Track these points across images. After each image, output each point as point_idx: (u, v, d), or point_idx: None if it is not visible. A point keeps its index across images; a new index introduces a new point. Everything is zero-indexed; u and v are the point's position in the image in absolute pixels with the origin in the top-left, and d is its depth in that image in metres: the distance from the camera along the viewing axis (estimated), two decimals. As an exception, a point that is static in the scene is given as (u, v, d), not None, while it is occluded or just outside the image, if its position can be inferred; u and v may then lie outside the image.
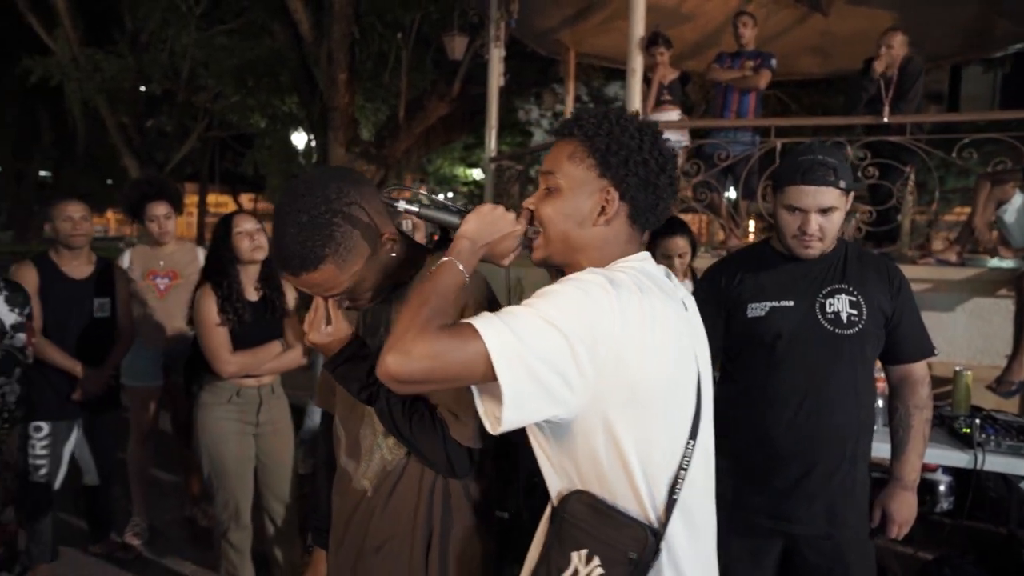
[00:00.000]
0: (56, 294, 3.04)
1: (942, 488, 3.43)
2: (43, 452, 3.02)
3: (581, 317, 0.96)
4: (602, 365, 0.96)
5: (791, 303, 1.83)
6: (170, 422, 3.83)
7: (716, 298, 1.94)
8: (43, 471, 3.03)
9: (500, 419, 0.95)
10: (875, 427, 1.99)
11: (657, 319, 1.01)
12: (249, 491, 2.72)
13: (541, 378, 0.94)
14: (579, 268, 1.09)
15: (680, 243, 3.04)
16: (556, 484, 1.09)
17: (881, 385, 2.30)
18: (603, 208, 1.10)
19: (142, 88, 13.66)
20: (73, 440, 3.19)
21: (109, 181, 19.34)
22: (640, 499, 1.02)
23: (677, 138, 5.14)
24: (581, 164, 1.11)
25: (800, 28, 7.29)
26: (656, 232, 3.16)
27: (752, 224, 7.88)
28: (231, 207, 37.11)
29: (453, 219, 1.16)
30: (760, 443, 1.85)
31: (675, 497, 1.04)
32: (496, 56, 6.69)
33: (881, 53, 4.61)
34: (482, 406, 0.99)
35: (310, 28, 10.28)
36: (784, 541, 1.87)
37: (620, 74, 9.26)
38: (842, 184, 1.73)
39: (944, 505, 3.35)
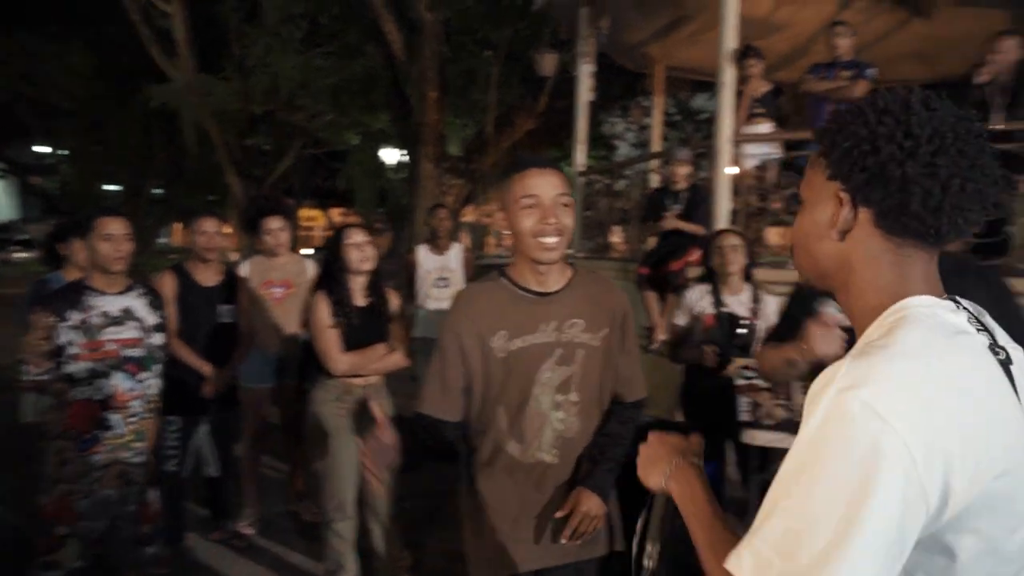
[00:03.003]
0: (189, 300, 3.34)
1: None
2: (174, 443, 3.33)
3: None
4: None
5: None
6: (279, 422, 4.09)
7: (804, 305, 1.96)
8: (173, 460, 3.33)
9: None
10: None
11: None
12: (355, 484, 2.88)
13: None
14: (843, 294, 0.95)
15: (732, 238, 3.24)
16: None
17: None
18: (833, 218, 0.90)
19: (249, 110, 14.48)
20: (200, 434, 3.48)
21: (211, 197, 20.60)
22: None
23: (769, 150, 5.09)
24: (817, 168, 0.93)
25: (901, 33, 7.03)
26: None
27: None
28: (321, 221, 38.67)
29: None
30: None
31: None
32: (585, 71, 6.80)
33: (989, 59, 4.42)
34: None
35: (402, 48, 10.70)
36: None
37: (708, 86, 9.17)
38: None
39: None
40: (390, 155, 17.18)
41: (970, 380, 0.81)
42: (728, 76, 4.88)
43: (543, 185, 1.62)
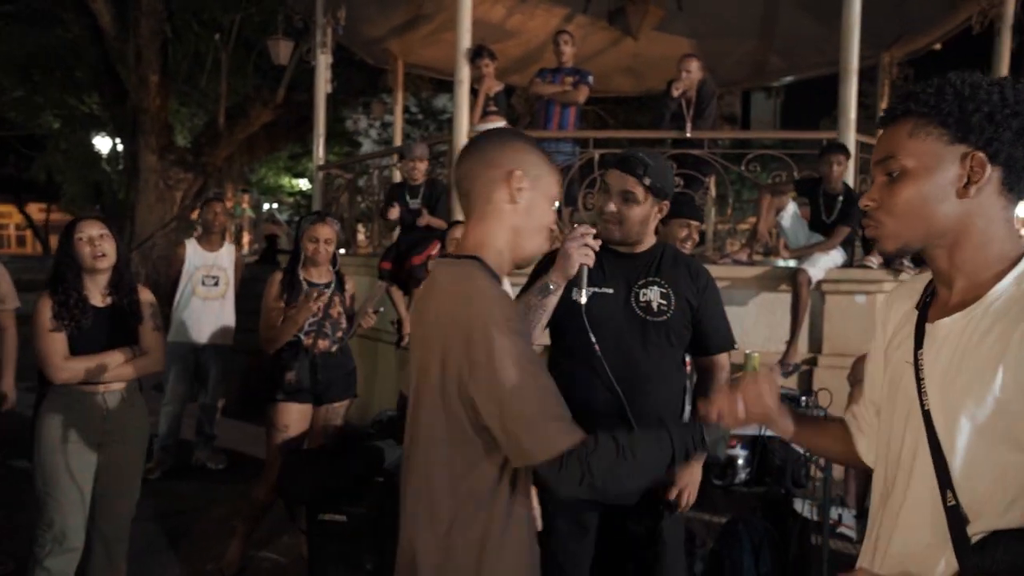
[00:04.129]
0: None
1: (740, 461, 3.86)
2: None
3: None
4: None
5: (610, 291, 2.00)
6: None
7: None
8: None
9: None
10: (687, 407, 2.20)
11: None
12: (82, 509, 2.51)
13: None
14: (951, 250, 1.06)
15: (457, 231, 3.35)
16: None
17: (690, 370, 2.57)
18: (969, 178, 1.01)
19: None
20: None
21: None
22: None
23: (503, 148, 5.36)
24: (927, 137, 1.03)
25: (615, 50, 7.90)
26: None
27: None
28: (16, 218, 32.88)
29: None
30: (579, 422, 1.99)
31: None
32: (323, 62, 6.58)
33: (681, 76, 5.12)
34: None
35: (112, 21, 9.45)
36: (603, 512, 2.03)
37: (449, 86, 9.48)
38: (646, 180, 1.91)
39: (742, 476, 3.77)
40: (105, 143, 15.09)
41: None
42: (464, 74, 5.04)
43: None
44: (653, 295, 2.00)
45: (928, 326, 1.07)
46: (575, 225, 1.96)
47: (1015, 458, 0.94)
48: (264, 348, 3.09)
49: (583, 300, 1.81)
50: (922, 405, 1.03)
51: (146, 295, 2.70)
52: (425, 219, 4.61)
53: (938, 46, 7.34)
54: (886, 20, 6.21)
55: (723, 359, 2.16)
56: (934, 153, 1.02)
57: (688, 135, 5.03)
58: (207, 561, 3.30)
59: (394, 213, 4.65)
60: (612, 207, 1.93)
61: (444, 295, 1.23)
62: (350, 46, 7.75)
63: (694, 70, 5.16)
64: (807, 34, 7.01)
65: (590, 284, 1.89)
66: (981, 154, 1.00)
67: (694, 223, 3.40)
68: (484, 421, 1.17)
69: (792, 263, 4.70)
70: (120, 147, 13.08)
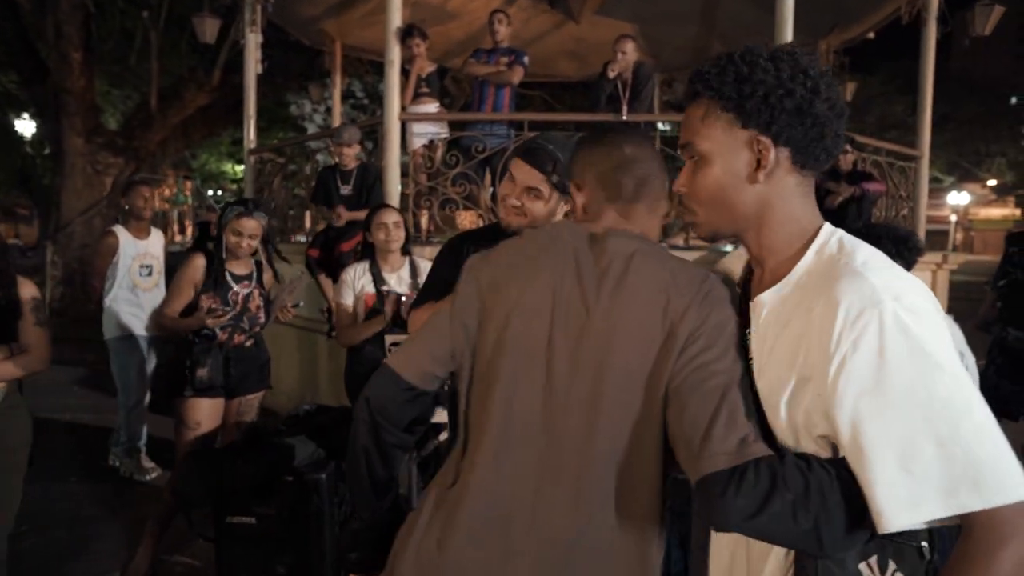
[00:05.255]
0: None
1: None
2: None
3: None
4: None
5: None
6: None
7: (455, 265, 1.94)
8: None
9: None
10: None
11: None
12: None
13: None
14: (755, 233, 1.04)
15: (392, 215, 3.18)
16: None
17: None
18: (758, 163, 1.00)
19: None
20: None
21: None
22: None
23: (436, 130, 5.21)
24: (716, 121, 1.01)
25: (557, 33, 7.80)
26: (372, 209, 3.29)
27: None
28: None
29: None
30: None
31: None
32: (252, 42, 6.30)
33: (617, 58, 5.04)
34: None
35: (28, -6, 8.92)
36: None
37: (389, 68, 9.19)
38: (554, 178, 1.72)
39: (675, 463, 3.74)
40: (27, 126, 14.32)
41: None
42: (395, 54, 4.87)
43: None
44: None
45: (750, 304, 1.06)
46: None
47: (822, 437, 0.93)
48: (159, 321, 3.02)
49: None
50: (752, 386, 1.02)
51: (27, 289, 2.47)
52: (344, 217, 4.42)
53: (871, 35, 7.45)
54: (822, 9, 6.26)
55: None
56: (724, 138, 1.01)
57: (624, 118, 4.97)
58: (116, 568, 3.11)
59: (340, 216, 4.43)
60: (514, 201, 1.74)
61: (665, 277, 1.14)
62: (285, 26, 7.46)
63: (629, 51, 5.09)
64: (748, 20, 7.02)
65: None
66: (765, 138, 0.98)
67: None
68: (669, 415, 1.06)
69: (729, 247, 4.68)
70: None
